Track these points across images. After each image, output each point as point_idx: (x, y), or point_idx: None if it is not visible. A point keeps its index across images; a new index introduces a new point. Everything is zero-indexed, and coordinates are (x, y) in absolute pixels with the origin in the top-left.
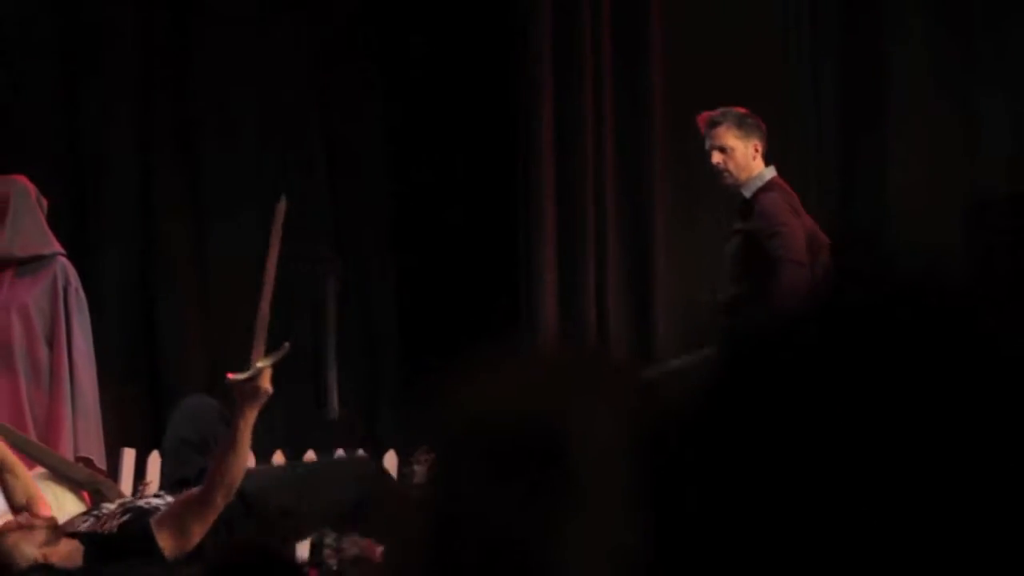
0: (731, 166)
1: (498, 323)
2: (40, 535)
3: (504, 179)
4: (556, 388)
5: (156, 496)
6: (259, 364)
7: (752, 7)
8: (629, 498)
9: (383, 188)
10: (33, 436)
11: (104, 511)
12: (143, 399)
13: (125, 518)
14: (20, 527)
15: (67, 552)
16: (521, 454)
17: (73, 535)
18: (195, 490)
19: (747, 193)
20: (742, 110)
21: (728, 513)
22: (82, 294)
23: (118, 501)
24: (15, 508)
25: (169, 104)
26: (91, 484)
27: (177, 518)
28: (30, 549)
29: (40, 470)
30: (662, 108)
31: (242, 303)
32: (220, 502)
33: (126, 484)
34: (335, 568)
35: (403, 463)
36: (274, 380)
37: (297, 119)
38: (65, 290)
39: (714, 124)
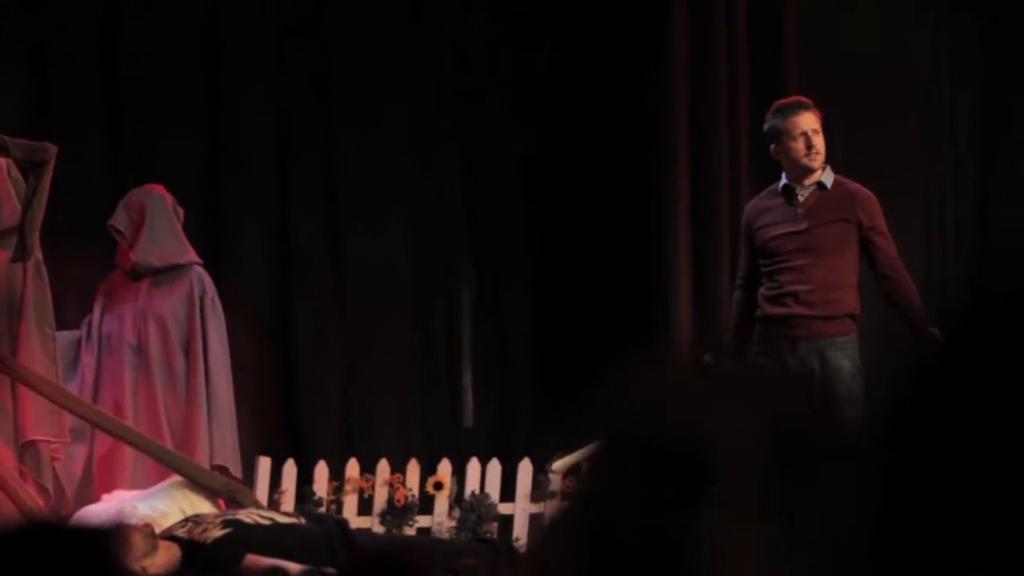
0: (822, 149)
1: (632, 330)
2: (137, 547)
3: (638, 185)
4: (702, 398)
5: (263, 514)
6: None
7: (888, 8)
8: (772, 501)
9: (518, 196)
10: (169, 444)
11: (204, 518)
12: (278, 407)
13: (224, 532)
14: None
15: (165, 560)
16: (673, 461)
17: (172, 539)
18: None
19: (829, 182)
20: None
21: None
22: (218, 303)
23: (217, 513)
24: None
25: (307, 110)
26: (227, 492)
27: (276, 571)
28: (128, 563)
29: (176, 478)
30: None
31: (377, 308)
32: None
33: (261, 492)
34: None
35: (538, 471)
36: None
37: (433, 124)
38: (201, 299)
39: (808, 107)
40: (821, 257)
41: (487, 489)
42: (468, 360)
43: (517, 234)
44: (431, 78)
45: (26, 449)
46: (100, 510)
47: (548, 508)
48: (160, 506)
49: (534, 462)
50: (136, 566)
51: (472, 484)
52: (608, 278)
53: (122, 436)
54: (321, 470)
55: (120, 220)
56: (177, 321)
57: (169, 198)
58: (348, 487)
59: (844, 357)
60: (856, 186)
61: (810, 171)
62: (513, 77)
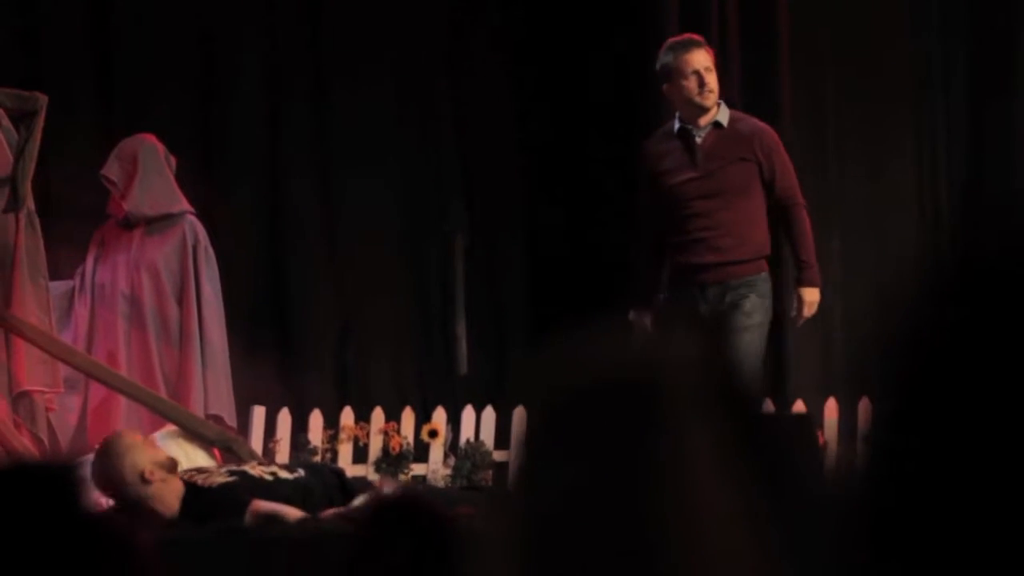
0: (716, 87)
1: (626, 275)
2: (159, 455)
3: (632, 128)
4: (651, 347)
5: (266, 469)
6: None
7: None
8: (724, 439)
9: (511, 143)
10: (164, 393)
11: (208, 468)
12: (272, 356)
13: (229, 479)
14: (144, 438)
15: (169, 488)
16: (621, 401)
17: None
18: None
19: (725, 121)
20: None
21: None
22: (211, 252)
23: (224, 466)
24: None
25: (297, 58)
26: (222, 441)
27: (277, 520)
28: (141, 459)
29: (171, 428)
30: (790, 94)
31: (370, 257)
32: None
33: (256, 442)
34: None
35: None
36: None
37: (426, 76)
38: (194, 248)
39: (700, 45)
40: (726, 200)
41: (482, 437)
42: (462, 308)
43: (510, 181)
44: (421, 24)
45: (20, 399)
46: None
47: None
48: None
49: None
50: (146, 468)
51: (467, 432)
52: (602, 224)
53: (116, 386)
54: (316, 419)
55: (112, 170)
56: (170, 270)
57: (161, 147)
58: (343, 435)
59: (750, 291)
60: (753, 122)
61: (704, 110)
62: (503, 23)
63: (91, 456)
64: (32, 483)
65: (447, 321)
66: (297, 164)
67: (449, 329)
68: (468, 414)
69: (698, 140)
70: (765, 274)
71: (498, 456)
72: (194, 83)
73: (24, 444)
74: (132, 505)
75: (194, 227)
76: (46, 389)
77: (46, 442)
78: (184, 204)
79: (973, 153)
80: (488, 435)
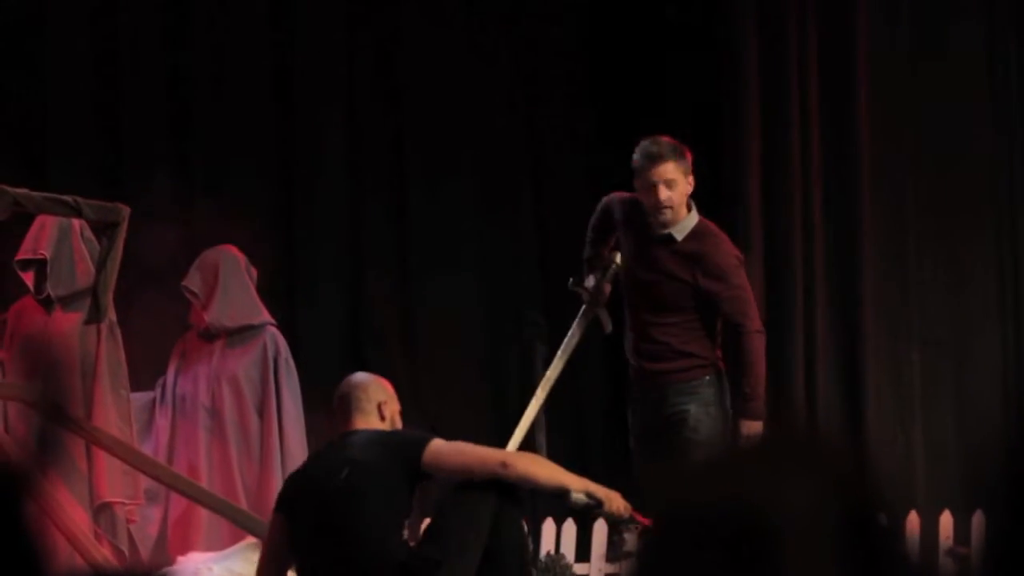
0: (675, 202)
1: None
2: (398, 421)
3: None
4: (764, 471)
5: None
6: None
7: (962, 55)
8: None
9: None
10: (244, 505)
11: None
12: None
13: None
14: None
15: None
16: (730, 534)
17: None
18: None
19: (679, 235)
20: (672, 139)
21: None
22: (292, 363)
23: None
24: None
25: (379, 161)
26: None
27: (465, 448)
28: (392, 401)
29: (252, 540)
30: (870, 156)
31: (449, 363)
32: (509, 471)
33: None
34: None
35: (612, 531)
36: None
37: (505, 175)
38: (275, 360)
39: (664, 158)
40: (663, 317)
41: (563, 549)
42: (543, 416)
43: None
44: (503, 127)
45: (101, 511)
46: (175, 572)
47: (623, 568)
48: (236, 568)
49: (609, 522)
50: (389, 407)
51: (547, 544)
52: None
53: (197, 498)
54: None
55: (194, 281)
56: (251, 382)
57: (242, 258)
58: None
59: (690, 400)
60: (705, 244)
61: (659, 222)
62: (584, 125)
63: (171, 568)
64: None
65: (527, 429)
66: (376, 270)
67: (529, 438)
68: (548, 527)
69: (655, 241)
70: (709, 378)
71: (579, 569)
72: (275, 191)
73: (105, 556)
74: (348, 412)
75: (275, 339)
76: (127, 500)
77: (127, 553)
78: (265, 315)
79: None
80: (569, 548)
